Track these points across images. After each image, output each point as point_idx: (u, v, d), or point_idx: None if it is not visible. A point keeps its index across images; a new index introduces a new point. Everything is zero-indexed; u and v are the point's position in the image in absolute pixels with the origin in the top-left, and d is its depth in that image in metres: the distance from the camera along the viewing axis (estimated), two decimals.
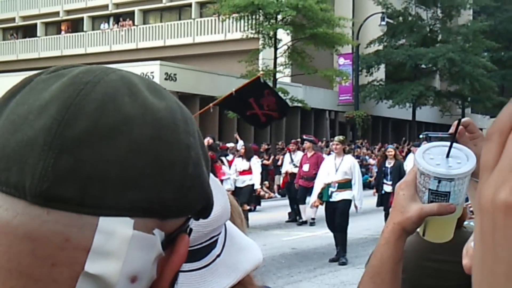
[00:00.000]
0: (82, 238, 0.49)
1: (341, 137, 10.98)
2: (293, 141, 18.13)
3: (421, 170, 1.19)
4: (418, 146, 14.84)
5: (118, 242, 0.50)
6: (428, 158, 1.19)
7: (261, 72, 22.75)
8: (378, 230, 13.03)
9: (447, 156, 1.18)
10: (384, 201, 12.91)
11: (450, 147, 1.19)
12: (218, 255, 1.05)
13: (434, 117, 44.94)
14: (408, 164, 14.40)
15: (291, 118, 33.71)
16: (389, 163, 13.10)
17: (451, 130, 1.28)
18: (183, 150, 0.55)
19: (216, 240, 1.05)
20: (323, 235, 12.39)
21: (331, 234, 10.84)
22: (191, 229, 0.60)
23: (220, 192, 1.04)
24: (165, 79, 29.08)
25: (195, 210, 0.58)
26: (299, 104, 29.82)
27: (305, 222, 14.50)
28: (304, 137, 14.83)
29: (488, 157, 0.47)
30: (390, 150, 13.40)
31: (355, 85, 34.88)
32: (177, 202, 0.54)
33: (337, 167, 10.39)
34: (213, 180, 1.03)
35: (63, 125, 0.49)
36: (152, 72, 28.89)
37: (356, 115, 33.80)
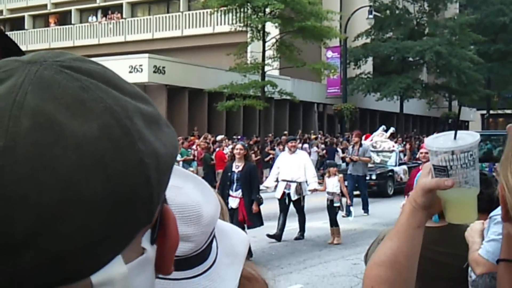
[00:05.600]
0: None
1: None
2: None
3: (427, 149, 1.27)
4: (293, 140, 12.17)
5: (119, 284, 0.48)
6: (436, 140, 1.27)
7: None
8: (366, 223, 13.20)
9: (454, 138, 1.25)
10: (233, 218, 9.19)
11: (455, 131, 1.25)
12: (217, 247, 1.07)
13: (421, 110, 45.24)
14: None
15: (279, 111, 33.82)
16: (237, 167, 9.61)
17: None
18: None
19: (214, 236, 1.07)
20: (313, 227, 12.44)
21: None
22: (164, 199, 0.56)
23: (211, 192, 1.06)
24: (154, 72, 29.08)
25: (166, 176, 0.53)
26: (288, 97, 29.92)
27: None
28: None
29: None
30: (240, 148, 9.87)
31: (343, 78, 35.04)
32: (143, 192, 0.49)
33: None
34: (202, 181, 1.06)
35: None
36: (140, 65, 28.88)
37: (344, 107, 33.97)
